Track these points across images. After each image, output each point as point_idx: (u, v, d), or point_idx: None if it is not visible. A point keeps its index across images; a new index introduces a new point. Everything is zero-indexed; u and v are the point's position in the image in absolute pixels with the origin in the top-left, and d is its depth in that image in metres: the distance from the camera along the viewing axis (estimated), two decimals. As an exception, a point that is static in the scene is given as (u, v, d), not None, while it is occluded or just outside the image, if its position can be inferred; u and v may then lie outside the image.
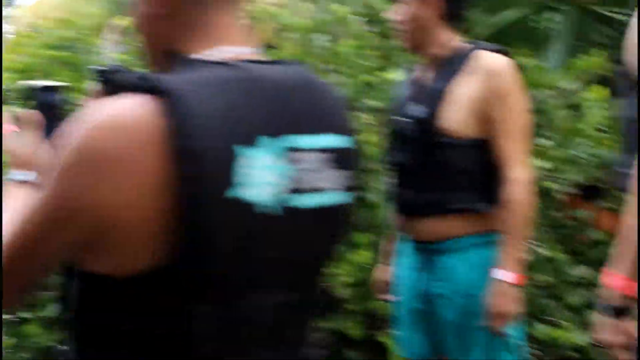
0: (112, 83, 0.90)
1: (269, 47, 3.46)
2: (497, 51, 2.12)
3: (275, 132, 0.92)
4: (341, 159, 0.99)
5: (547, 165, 3.21)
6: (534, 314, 3.00)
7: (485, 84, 2.06)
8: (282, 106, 0.94)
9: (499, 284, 2.06)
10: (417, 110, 2.13)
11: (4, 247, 0.90)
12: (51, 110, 1.17)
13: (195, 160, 0.84)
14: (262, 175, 0.89)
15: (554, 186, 3.24)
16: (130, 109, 0.85)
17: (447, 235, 2.13)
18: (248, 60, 0.96)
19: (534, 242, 2.98)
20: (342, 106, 1.05)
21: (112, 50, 4.01)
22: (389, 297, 2.35)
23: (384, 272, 2.41)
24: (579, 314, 3.16)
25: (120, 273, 0.88)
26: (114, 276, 0.89)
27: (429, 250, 2.17)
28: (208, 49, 0.96)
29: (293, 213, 0.93)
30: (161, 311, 0.89)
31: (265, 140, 0.90)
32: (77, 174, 0.85)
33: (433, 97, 2.11)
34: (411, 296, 2.22)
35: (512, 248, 2.06)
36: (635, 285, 1.39)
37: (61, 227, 0.88)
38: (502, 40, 3.11)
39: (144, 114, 0.85)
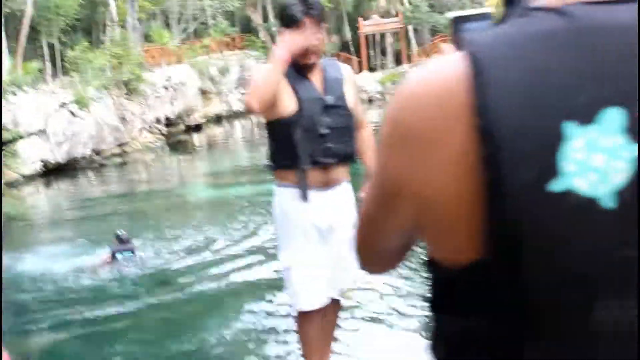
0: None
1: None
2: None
3: (621, 101, 0.70)
4: None
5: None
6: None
7: None
8: (631, 65, 0.71)
9: None
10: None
11: (358, 225, 0.92)
12: None
13: (501, 142, 0.70)
14: (601, 161, 0.70)
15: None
16: (437, 77, 0.75)
17: None
18: (591, 1, 0.74)
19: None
20: None
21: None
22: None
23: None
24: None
25: (449, 262, 0.78)
26: (447, 266, 0.79)
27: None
28: None
29: None
30: (487, 314, 0.76)
31: (607, 113, 0.70)
32: (389, 148, 0.80)
33: None
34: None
35: None
36: None
37: (389, 203, 0.82)
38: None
39: (449, 83, 0.74)
